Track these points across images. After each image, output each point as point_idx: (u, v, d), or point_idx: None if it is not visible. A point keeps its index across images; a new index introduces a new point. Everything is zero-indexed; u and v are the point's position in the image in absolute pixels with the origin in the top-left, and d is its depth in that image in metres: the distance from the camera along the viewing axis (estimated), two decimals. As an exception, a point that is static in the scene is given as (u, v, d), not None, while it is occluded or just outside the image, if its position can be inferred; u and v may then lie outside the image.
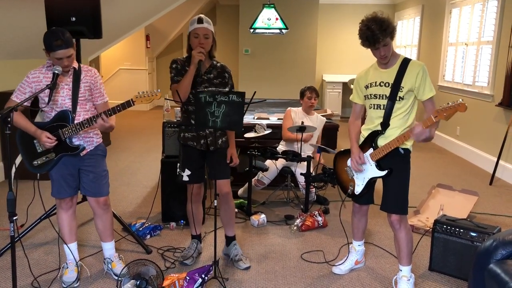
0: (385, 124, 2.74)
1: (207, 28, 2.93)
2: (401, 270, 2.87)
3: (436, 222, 3.14)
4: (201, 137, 3.01)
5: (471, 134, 6.49)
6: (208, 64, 3.04)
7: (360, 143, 2.88)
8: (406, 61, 2.69)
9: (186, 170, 3.07)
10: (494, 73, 5.83)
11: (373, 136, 2.78)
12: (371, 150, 2.79)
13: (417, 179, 5.43)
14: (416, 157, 6.62)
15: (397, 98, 2.68)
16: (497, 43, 5.75)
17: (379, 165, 2.77)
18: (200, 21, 2.92)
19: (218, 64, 3.08)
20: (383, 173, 2.76)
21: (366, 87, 2.80)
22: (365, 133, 2.86)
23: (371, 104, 2.80)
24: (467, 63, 6.64)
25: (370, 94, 2.79)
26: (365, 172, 2.83)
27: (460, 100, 2.49)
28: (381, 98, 2.74)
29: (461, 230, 3.02)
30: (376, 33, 2.52)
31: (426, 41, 8.35)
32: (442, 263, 3.11)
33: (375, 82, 2.75)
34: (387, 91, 2.70)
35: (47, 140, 2.66)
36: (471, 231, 2.98)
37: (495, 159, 5.43)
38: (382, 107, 2.74)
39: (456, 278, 3.06)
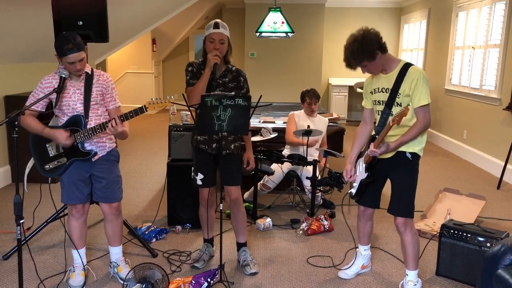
0: (379, 130, 2.74)
1: (222, 33, 2.93)
2: (407, 275, 2.86)
3: (443, 226, 3.12)
4: (214, 140, 3.01)
5: (478, 138, 6.45)
6: (224, 68, 3.04)
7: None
8: (406, 67, 2.65)
9: (199, 174, 3.07)
10: (501, 76, 5.80)
11: (370, 141, 2.81)
12: (366, 153, 2.84)
13: (423, 183, 5.40)
14: (422, 161, 6.55)
15: (395, 104, 2.67)
16: (505, 46, 5.72)
17: (367, 168, 2.80)
18: (216, 26, 2.92)
19: (234, 68, 3.08)
20: (365, 175, 2.80)
21: (371, 92, 2.82)
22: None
23: (376, 110, 2.83)
24: (474, 66, 6.61)
25: (374, 100, 2.81)
26: (360, 174, 2.88)
27: (408, 105, 2.56)
28: (382, 104, 2.75)
29: (469, 235, 2.99)
30: (350, 60, 2.63)
31: (433, 45, 8.32)
32: (449, 268, 3.09)
33: (378, 88, 2.77)
34: (385, 97, 2.71)
35: (62, 135, 2.64)
36: (479, 236, 2.96)
37: (503, 163, 5.39)
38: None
39: (463, 283, 3.03)
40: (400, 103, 2.65)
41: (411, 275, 2.84)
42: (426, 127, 2.65)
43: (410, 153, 2.73)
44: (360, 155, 2.95)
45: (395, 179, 2.79)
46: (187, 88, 2.99)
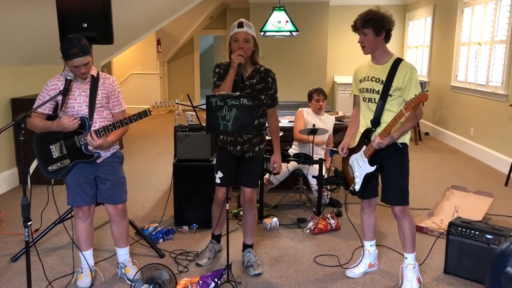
0: (375, 122, 2.83)
1: (247, 32, 2.89)
2: (406, 258, 2.93)
3: (451, 224, 3.10)
4: (239, 143, 3.01)
5: (485, 135, 6.41)
6: (251, 69, 3.01)
7: (357, 140, 2.97)
8: (398, 61, 2.79)
9: (219, 172, 3.08)
10: (508, 72, 5.76)
11: (366, 134, 2.88)
12: (364, 147, 2.88)
13: (430, 181, 5.38)
14: (429, 158, 6.56)
15: (388, 95, 2.78)
16: (511, 42, 5.67)
17: (371, 161, 2.84)
18: (240, 25, 2.90)
19: (262, 69, 3.03)
20: (373, 168, 2.84)
21: (360, 81, 2.93)
22: (361, 129, 2.95)
23: (364, 98, 2.92)
24: (480, 62, 6.57)
25: (363, 88, 2.90)
26: (361, 169, 2.90)
27: (425, 90, 2.58)
28: (372, 92, 2.84)
29: (477, 233, 2.97)
30: (357, 21, 2.78)
31: (438, 41, 8.27)
32: (458, 266, 3.07)
33: (368, 77, 2.87)
34: (377, 86, 2.81)
35: (70, 122, 2.64)
36: (487, 234, 2.94)
37: (511, 160, 5.35)
38: (373, 100, 2.84)
39: (471, 281, 3.01)
40: (391, 94, 2.77)
41: (410, 258, 2.92)
42: (420, 117, 2.81)
43: (400, 143, 2.83)
44: (352, 151, 2.99)
45: (388, 169, 2.86)
46: (213, 90, 2.97)
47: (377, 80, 2.81)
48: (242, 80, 2.95)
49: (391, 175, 2.85)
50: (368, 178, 2.89)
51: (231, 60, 2.87)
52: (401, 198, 2.85)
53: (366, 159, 2.86)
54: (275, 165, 3.17)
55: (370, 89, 2.84)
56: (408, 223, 2.89)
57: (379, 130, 2.79)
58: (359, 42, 2.83)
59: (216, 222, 3.28)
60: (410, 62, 2.82)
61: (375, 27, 2.73)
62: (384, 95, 2.77)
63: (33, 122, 2.70)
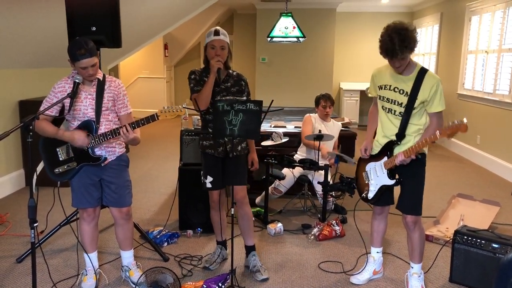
0: (400, 136, 2.78)
1: (223, 40, 3.01)
2: (412, 267, 2.94)
3: (457, 232, 3.08)
4: (220, 144, 3.05)
5: (492, 143, 6.38)
6: (225, 74, 3.11)
7: (378, 151, 2.92)
8: (423, 72, 2.69)
9: (209, 177, 3.11)
10: (515, 81, 5.74)
11: (389, 146, 2.83)
12: (385, 159, 2.84)
13: (436, 189, 5.35)
14: (435, 166, 6.53)
15: (413, 109, 2.72)
16: (519, 50, 5.66)
17: (390, 174, 2.82)
18: (216, 33, 3.00)
19: (234, 73, 3.16)
20: (392, 182, 2.82)
21: (380, 87, 2.85)
22: (381, 140, 2.89)
23: (383, 107, 2.85)
24: (488, 71, 6.55)
25: (383, 96, 2.82)
26: (379, 179, 2.87)
27: (465, 120, 2.44)
28: (393, 103, 2.77)
29: (483, 241, 2.96)
30: (396, 48, 2.50)
31: (445, 49, 8.26)
32: (463, 275, 3.05)
33: (390, 86, 2.78)
34: (400, 98, 2.73)
35: (80, 135, 2.67)
36: (493, 243, 2.92)
37: (517, 169, 5.32)
38: (393, 112, 2.78)
39: (477, 291, 2.99)
40: (416, 107, 2.71)
41: (416, 268, 2.92)
42: None
43: (420, 153, 2.78)
44: (371, 157, 2.95)
45: (406, 180, 2.83)
46: (192, 95, 3.05)
47: (401, 91, 2.72)
48: (218, 84, 3.03)
49: (408, 184, 2.83)
50: (383, 189, 2.86)
51: (211, 65, 2.95)
52: (415, 208, 2.83)
53: (385, 171, 2.83)
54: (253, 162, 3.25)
55: (393, 100, 2.76)
56: (419, 234, 2.87)
57: (402, 145, 2.76)
58: (396, 67, 2.63)
59: (218, 228, 3.30)
60: (435, 74, 2.70)
61: (411, 48, 2.54)
62: (409, 108, 2.70)
63: (42, 126, 2.71)
